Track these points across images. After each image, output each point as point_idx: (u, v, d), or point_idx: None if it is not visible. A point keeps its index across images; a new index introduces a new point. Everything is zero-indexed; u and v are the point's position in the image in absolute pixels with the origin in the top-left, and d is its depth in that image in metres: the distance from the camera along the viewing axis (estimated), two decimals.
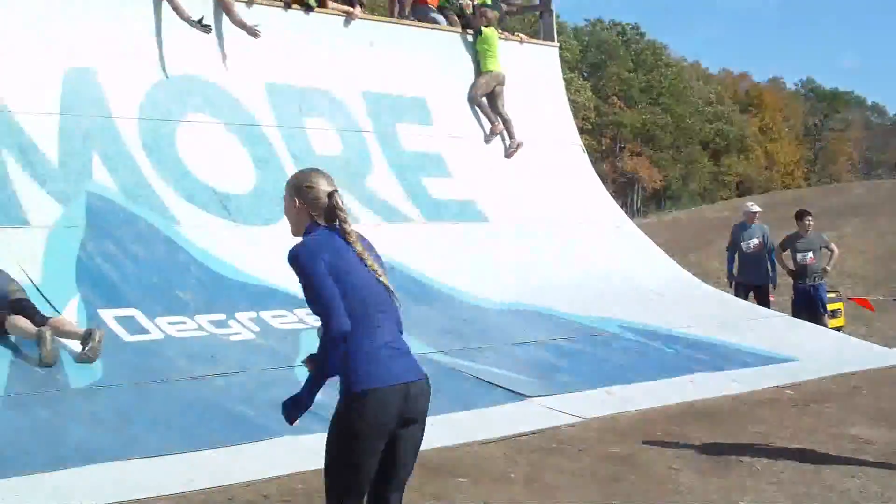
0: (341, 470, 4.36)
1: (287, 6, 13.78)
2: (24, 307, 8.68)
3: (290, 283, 10.79)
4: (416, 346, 10.43)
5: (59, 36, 11.48)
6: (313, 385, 4.44)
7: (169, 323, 9.59)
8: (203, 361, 9.06)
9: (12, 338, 8.59)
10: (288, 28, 13.71)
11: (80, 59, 11.55)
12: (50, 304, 9.28)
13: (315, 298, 4.35)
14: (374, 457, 4.38)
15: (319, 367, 4.41)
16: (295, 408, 4.47)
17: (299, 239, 4.55)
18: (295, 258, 4.39)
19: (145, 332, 9.40)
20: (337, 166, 13.18)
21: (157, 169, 11.44)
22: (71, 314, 9.26)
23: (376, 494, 4.49)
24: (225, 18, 12.77)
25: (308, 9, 13.99)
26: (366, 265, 4.50)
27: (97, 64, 11.65)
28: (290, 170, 12.56)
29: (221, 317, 10.04)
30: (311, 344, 9.93)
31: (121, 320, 9.44)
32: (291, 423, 4.50)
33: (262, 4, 13.50)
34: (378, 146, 13.98)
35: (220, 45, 12.80)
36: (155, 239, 10.48)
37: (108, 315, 9.47)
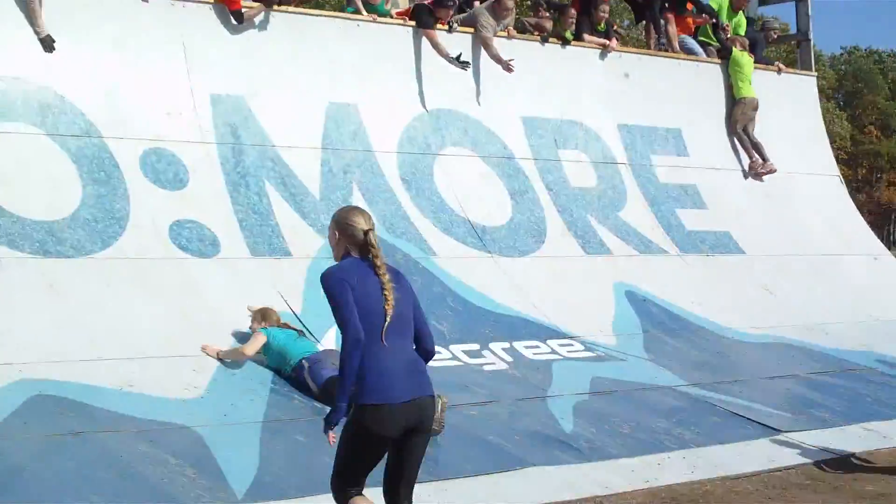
0: (346, 461, 5.10)
1: (544, 40, 13.87)
2: None
3: (543, 313, 10.96)
4: (669, 378, 10.22)
5: (321, 73, 11.90)
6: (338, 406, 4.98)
7: None
8: (458, 391, 9.08)
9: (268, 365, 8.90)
10: (544, 61, 13.84)
11: (341, 95, 11.94)
12: (311, 334, 9.53)
13: (336, 311, 4.98)
14: (374, 457, 5.09)
15: (339, 388, 4.98)
16: (328, 424, 5.06)
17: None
18: (324, 278, 5.04)
19: None
20: (591, 197, 13.13)
21: (414, 201, 11.71)
22: (329, 343, 9.48)
23: (390, 488, 5.18)
24: (483, 53, 12.93)
25: (564, 42, 14.04)
26: (383, 293, 5.04)
27: (358, 100, 12.01)
28: (546, 202, 12.62)
29: (475, 347, 10.14)
30: (564, 374, 9.88)
31: None
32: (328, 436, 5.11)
33: (520, 39, 13.66)
34: (632, 177, 13.87)
35: (477, 79, 13.02)
36: (412, 270, 10.63)
37: None
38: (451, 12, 12.85)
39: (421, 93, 12.59)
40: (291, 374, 8.80)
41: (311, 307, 9.84)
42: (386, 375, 4.94)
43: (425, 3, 12.75)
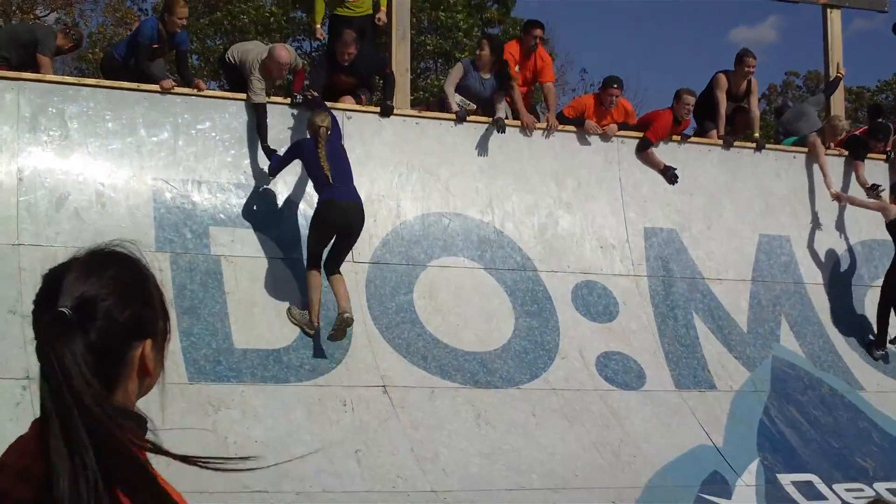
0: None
1: None
2: None
3: None
4: None
5: (753, 205, 11.96)
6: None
7: (846, 490, 9.31)
8: None
9: None
10: None
11: (773, 227, 11.90)
12: (731, 466, 9.47)
13: None
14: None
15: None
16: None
17: None
18: None
19: (823, 498, 9.22)
20: None
21: (843, 334, 11.33)
22: (750, 478, 9.36)
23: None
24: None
25: None
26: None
27: (790, 232, 11.91)
28: None
29: None
30: None
31: (798, 485, 9.35)
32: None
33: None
34: None
35: None
36: (838, 404, 10.25)
37: (786, 480, 9.43)
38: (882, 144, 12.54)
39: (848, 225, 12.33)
40: None
41: (731, 440, 9.79)
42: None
43: (857, 133, 12.50)
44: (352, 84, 11.01)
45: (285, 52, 10.50)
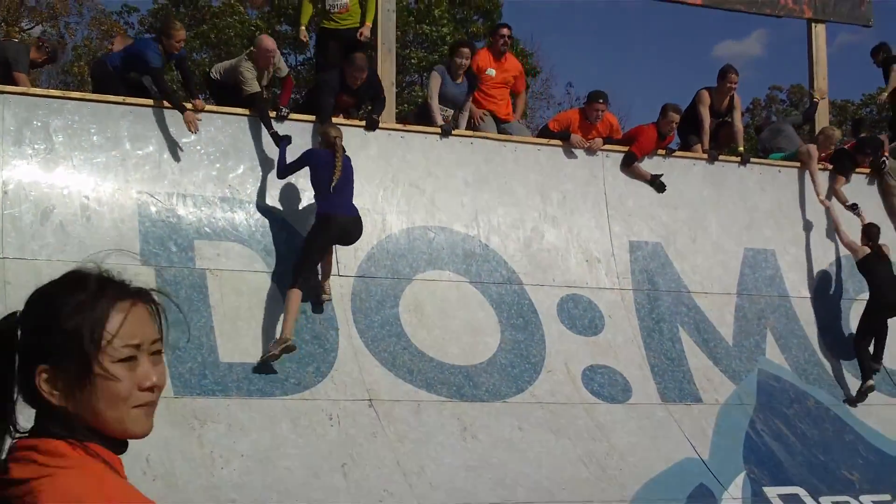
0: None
1: None
2: None
3: None
4: None
5: (738, 220, 11.99)
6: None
7: (832, 503, 9.35)
8: None
9: None
10: None
11: (757, 241, 11.95)
12: (717, 479, 9.48)
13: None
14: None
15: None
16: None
17: None
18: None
19: None
20: None
21: (828, 347, 11.36)
22: (736, 490, 9.38)
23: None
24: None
25: None
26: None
27: (774, 245, 11.96)
28: None
29: (886, 497, 9.56)
30: None
31: (784, 498, 9.37)
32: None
33: None
34: None
35: None
36: (823, 417, 10.28)
37: (772, 493, 9.46)
38: (870, 159, 12.61)
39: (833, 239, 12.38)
40: None
41: (717, 453, 9.81)
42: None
43: (846, 148, 12.58)
44: (350, 104, 11.09)
45: (270, 40, 10.90)
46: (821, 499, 9.45)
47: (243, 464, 8.33)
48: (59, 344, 1.89)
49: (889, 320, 11.35)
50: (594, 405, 10.19)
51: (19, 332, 1.92)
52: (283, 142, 10.13)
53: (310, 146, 10.29)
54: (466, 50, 11.65)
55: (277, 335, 9.32)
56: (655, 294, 11.31)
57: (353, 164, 9.99)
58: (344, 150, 9.87)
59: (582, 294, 11.09)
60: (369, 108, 11.08)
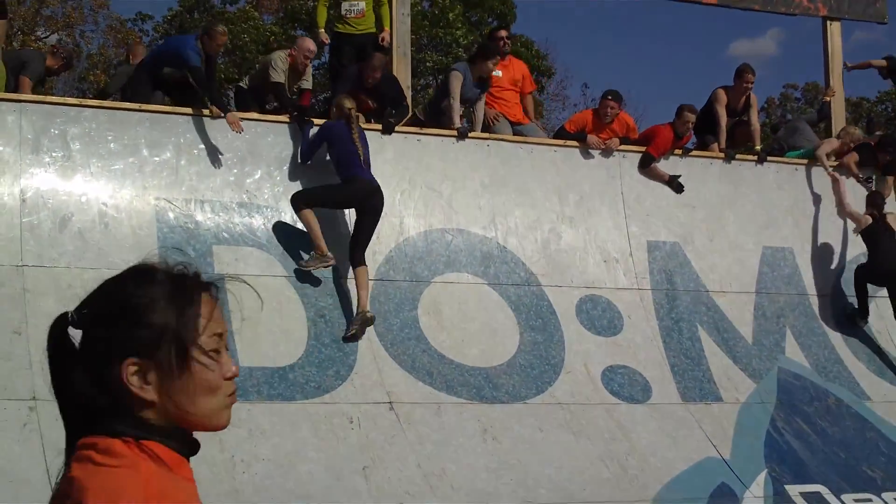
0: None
1: None
2: None
3: None
4: None
5: (756, 218, 11.96)
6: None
7: (854, 500, 9.31)
8: None
9: None
10: None
11: (776, 239, 11.91)
12: (738, 478, 9.45)
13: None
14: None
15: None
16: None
17: None
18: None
19: None
20: None
21: (848, 344, 11.30)
22: (758, 489, 9.35)
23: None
24: None
25: None
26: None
27: (793, 244, 11.92)
28: None
29: None
30: None
31: (807, 496, 9.33)
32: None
33: None
34: None
35: None
36: (844, 415, 10.25)
37: (794, 491, 9.42)
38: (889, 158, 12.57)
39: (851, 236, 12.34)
40: None
41: (738, 452, 9.78)
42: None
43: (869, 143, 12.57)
44: (371, 108, 11.12)
45: (312, 43, 11.28)
46: (843, 496, 9.42)
47: (265, 468, 8.34)
48: (150, 337, 1.88)
49: None
50: (614, 405, 10.16)
51: (82, 330, 1.90)
52: (306, 125, 10.30)
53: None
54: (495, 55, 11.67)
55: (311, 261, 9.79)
56: (674, 294, 11.29)
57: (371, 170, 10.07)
58: (359, 121, 9.99)
59: (600, 295, 11.06)
60: (392, 112, 11.07)
